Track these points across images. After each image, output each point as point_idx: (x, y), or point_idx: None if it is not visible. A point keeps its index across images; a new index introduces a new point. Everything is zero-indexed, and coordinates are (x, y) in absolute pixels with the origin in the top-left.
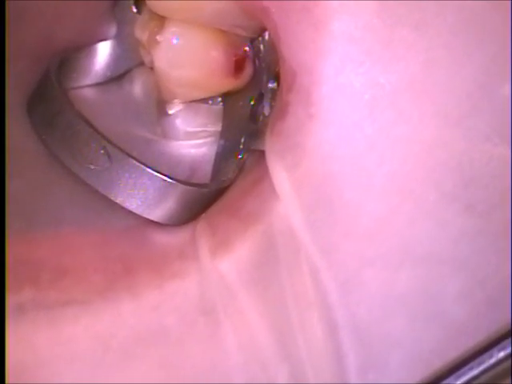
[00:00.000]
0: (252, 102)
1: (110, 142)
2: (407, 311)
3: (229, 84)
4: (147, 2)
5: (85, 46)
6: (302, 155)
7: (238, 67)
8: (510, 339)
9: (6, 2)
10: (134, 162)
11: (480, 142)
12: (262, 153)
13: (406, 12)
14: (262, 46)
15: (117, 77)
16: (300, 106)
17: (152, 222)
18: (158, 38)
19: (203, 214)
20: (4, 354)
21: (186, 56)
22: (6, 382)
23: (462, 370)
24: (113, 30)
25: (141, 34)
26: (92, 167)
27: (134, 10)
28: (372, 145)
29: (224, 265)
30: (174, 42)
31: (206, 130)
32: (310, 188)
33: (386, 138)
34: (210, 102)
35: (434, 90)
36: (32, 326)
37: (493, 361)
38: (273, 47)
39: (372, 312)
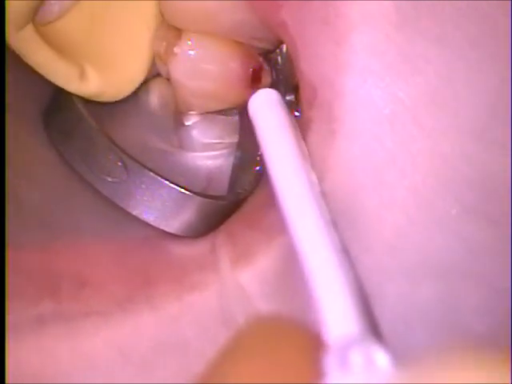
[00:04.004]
0: None
1: (127, 153)
2: (427, 325)
3: (246, 95)
4: (164, 14)
5: None
6: (324, 170)
7: (255, 79)
8: None
9: (7, 3)
10: (151, 174)
11: (501, 154)
12: None
13: (427, 25)
14: (279, 58)
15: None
16: (322, 122)
17: (170, 233)
18: (175, 49)
19: (222, 226)
20: (4, 354)
21: (203, 68)
22: (6, 382)
23: None
24: None
25: (158, 45)
26: (109, 179)
27: None
28: (393, 158)
29: (245, 276)
30: (191, 53)
31: (222, 142)
32: (333, 202)
33: (407, 151)
34: (227, 113)
35: (455, 103)
36: (52, 337)
37: None
38: (290, 59)
39: (392, 326)
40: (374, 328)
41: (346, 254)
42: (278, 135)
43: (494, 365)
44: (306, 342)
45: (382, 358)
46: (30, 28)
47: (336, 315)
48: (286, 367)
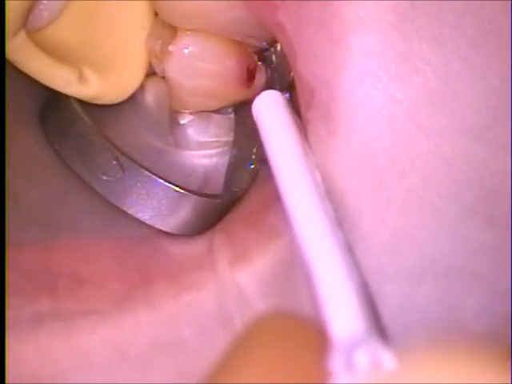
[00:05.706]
0: None
1: (122, 152)
2: (427, 326)
3: (241, 94)
4: (159, 13)
5: None
6: (323, 171)
7: (250, 77)
8: None
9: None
10: (147, 172)
11: (500, 154)
12: None
13: (425, 25)
14: (273, 57)
15: None
16: (320, 123)
17: (167, 232)
18: (170, 48)
19: (220, 225)
20: (4, 355)
21: (199, 66)
22: (6, 381)
23: None
24: None
25: (153, 43)
26: (105, 178)
27: None
28: (392, 159)
29: (243, 276)
30: (187, 52)
31: (218, 140)
32: (331, 203)
33: (406, 152)
34: (222, 111)
35: (454, 104)
36: (50, 335)
37: None
38: (285, 58)
39: (392, 327)
40: (379, 328)
41: (351, 252)
42: (283, 136)
43: (492, 363)
44: (315, 337)
45: (388, 358)
46: (22, 35)
47: (341, 315)
48: (296, 361)
